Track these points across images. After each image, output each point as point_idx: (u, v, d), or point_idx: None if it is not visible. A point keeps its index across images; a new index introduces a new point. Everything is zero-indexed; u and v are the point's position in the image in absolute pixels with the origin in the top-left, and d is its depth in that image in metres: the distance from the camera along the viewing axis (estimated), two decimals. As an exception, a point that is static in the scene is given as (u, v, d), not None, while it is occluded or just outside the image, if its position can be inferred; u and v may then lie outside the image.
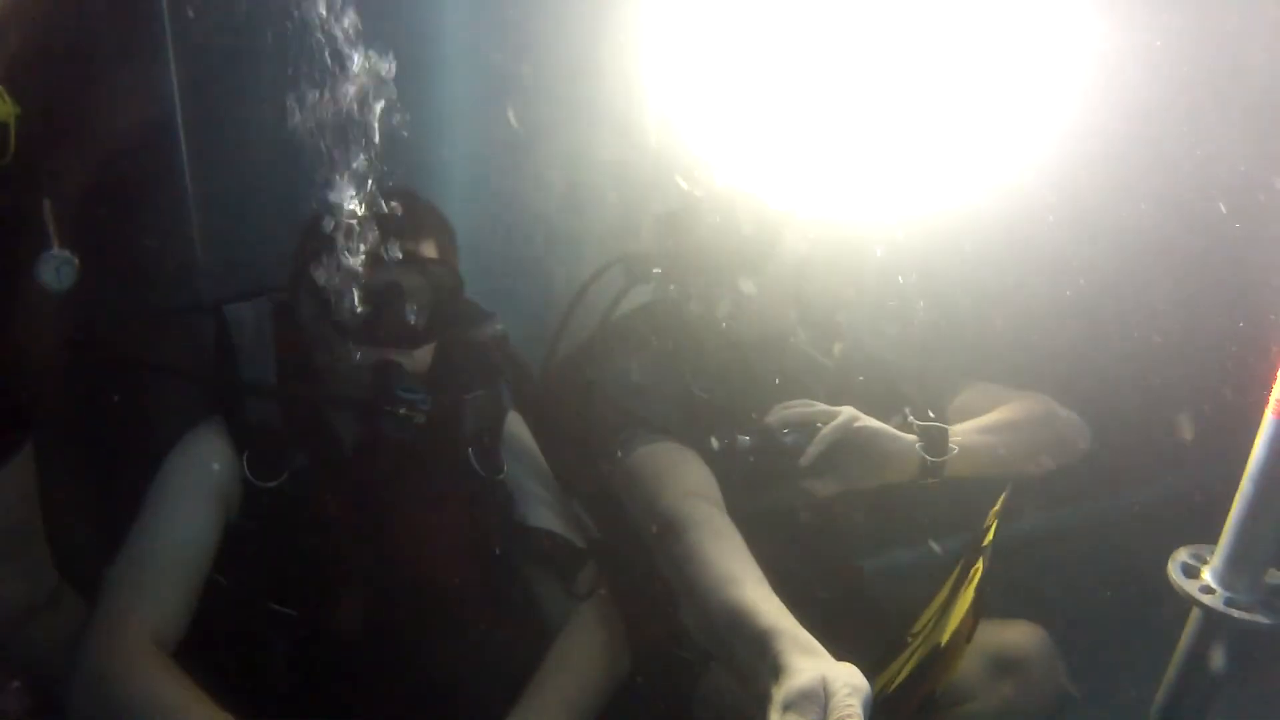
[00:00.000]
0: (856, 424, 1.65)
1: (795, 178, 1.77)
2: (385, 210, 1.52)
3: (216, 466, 1.54)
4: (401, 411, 1.52)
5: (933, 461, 1.67)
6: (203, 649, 1.47)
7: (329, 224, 1.53)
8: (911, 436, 1.69)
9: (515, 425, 1.80)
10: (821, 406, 1.68)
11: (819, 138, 1.79)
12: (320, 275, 1.52)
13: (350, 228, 1.52)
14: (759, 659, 1.19)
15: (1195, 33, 2.06)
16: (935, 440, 1.69)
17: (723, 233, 1.74)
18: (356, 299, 1.52)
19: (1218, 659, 1.25)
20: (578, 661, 1.60)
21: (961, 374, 1.95)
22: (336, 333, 1.53)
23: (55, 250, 1.36)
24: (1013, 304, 2.28)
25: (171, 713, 1.32)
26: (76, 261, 1.37)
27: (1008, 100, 1.96)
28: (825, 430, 1.63)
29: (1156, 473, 2.59)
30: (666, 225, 1.86)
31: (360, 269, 1.51)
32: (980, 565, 1.41)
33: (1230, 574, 1.23)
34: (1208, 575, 1.25)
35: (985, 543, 1.45)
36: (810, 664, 1.12)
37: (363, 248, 1.51)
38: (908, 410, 1.76)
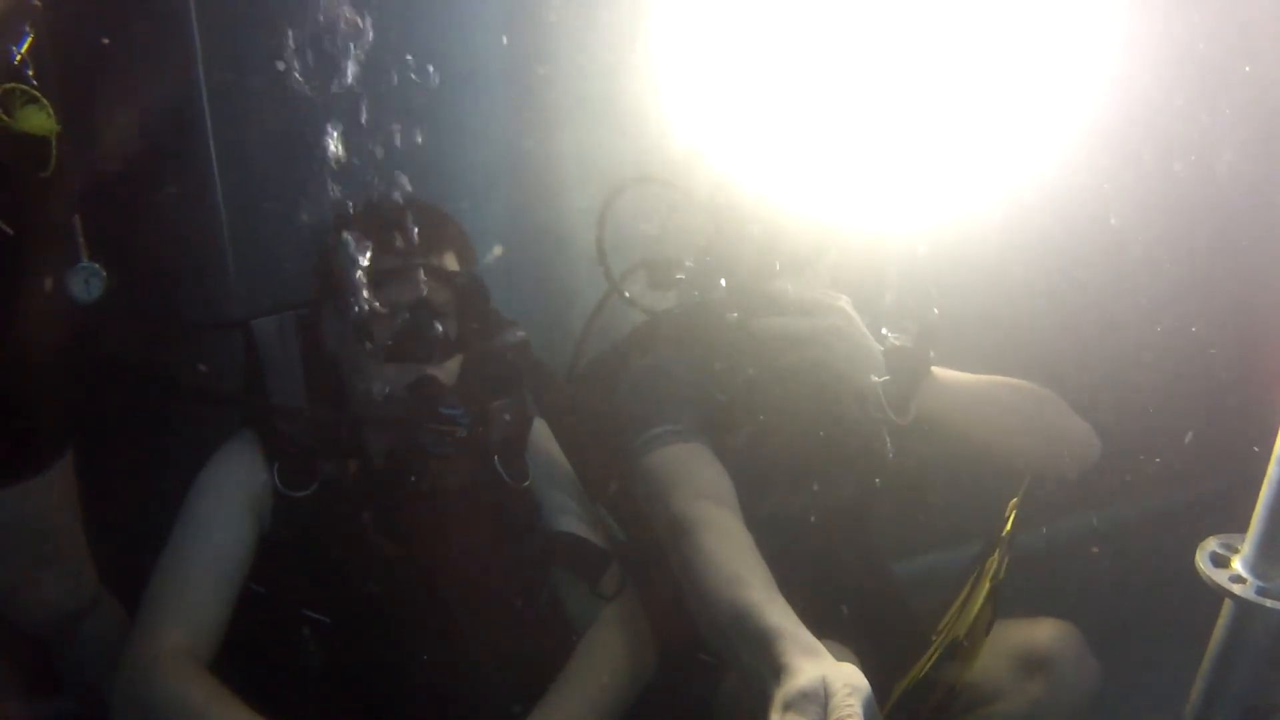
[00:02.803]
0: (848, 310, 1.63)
1: (822, 180, 1.76)
2: (403, 224, 1.56)
3: (248, 479, 1.59)
4: (444, 428, 1.54)
5: (890, 388, 1.63)
6: (239, 655, 1.52)
7: (349, 245, 1.56)
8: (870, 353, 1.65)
9: (539, 432, 1.82)
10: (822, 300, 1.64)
11: (843, 140, 1.79)
12: (345, 297, 1.55)
13: (370, 246, 1.54)
14: (760, 659, 1.19)
15: (1203, 33, 2.03)
16: (911, 359, 1.64)
17: (764, 238, 1.73)
18: (386, 318, 1.55)
19: (1253, 654, 1.21)
20: (602, 661, 1.61)
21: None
22: (368, 353, 1.56)
23: (84, 262, 1.41)
24: (1036, 305, 2.26)
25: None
26: (104, 274, 1.42)
27: (1028, 103, 1.94)
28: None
29: (1184, 476, 2.52)
30: (701, 230, 1.87)
31: (386, 287, 1.54)
32: (997, 556, 1.39)
33: (1262, 562, 1.17)
34: (1238, 564, 1.20)
35: (1003, 533, 1.42)
36: (810, 664, 1.12)
37: (385, 266, 1.54)
38: (886, 332, 1.72)
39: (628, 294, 1.93)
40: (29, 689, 1.67)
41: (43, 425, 1.52)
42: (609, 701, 1.58)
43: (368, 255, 1.54)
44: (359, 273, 1.53)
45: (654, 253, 1.95)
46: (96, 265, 1.43)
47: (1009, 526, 1.42)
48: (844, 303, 1.66)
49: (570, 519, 1.74)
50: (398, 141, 2.02)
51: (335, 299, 1.59)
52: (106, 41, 1.68)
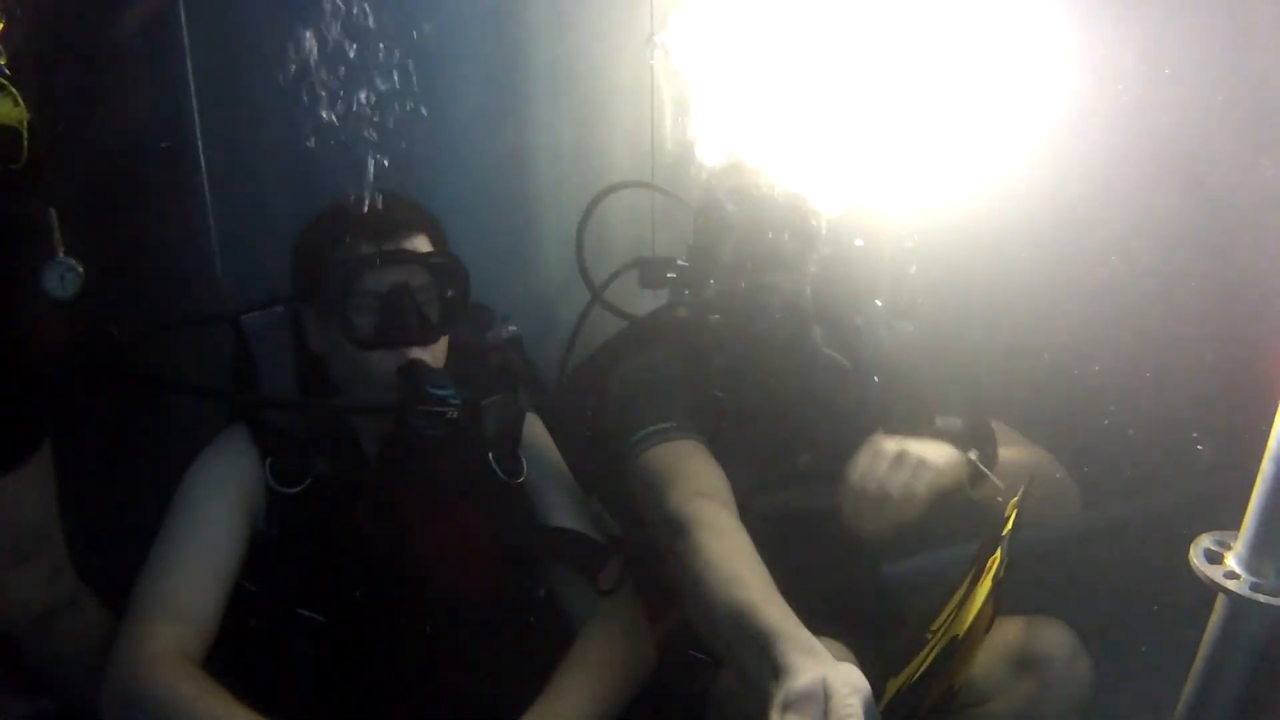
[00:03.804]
0: (889, 443, 1.55)
1: (816, 176, 1.75)
2: (374, 213, 1.55)
3: (240, 475, 1.57)
4: (435, 409, 1.53)
5: (982, 461, 1.58)
6: (230, 654, 1.50)
7: (321, 236, 1.57)
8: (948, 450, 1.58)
9: (533, 427, 1.81)
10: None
11: (835, 136, 1.78)
12: (326, 292, 1.55)
13: (343, 236, 1.55)
14: (760, 659, 1.18)
15: (1202, 31, 2.03)
16: (984, 440, 1.60)
17: (757, 233, 1.72)
18: (366, 306, 1.54)
19: (1246, 650, 1.20)
20: (600, 654, 1.60)
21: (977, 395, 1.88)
22: (352, 343, 1.55)
23: (60, 258, 1.39)
24: (1033, 303, 2.25)
25: (199, 718, 1.34)
26: (80, 270, 1.40)
27: (1023, 99, 1.93)
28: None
29: (1182, 475, 2.52)
30: (697, 225, 1.86)
31: (362, 276, 1.53)
32: (999, 555, 1.38)
33: (1256, 558, 1.16)
34: (1232, 561, 1.19)
35: (1004, 532, 1.41)
36: (810, 664, 1.12)
37: (360, 254, 1.54)
38: (938, 419, 1.67)
39: (611, 303, 1.93)
40: (3, 688, 1.64)
41: (17, 418, 1.49)
42: (608, 694, 1.57)
43: (343, 248, 1.55)
44: (331, 266, 1.53)
45: (645, 252, 1.94)
46: (73, 261, 1.40)
47: (1010, 526, 1.42)
48: (883, 441, 1.56)
49: (566, 514, 1.73)
50: (382, 138, 2.02)
51: (315, 296, 1.58)
52: (93, 36, 1.66)
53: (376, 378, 1.56)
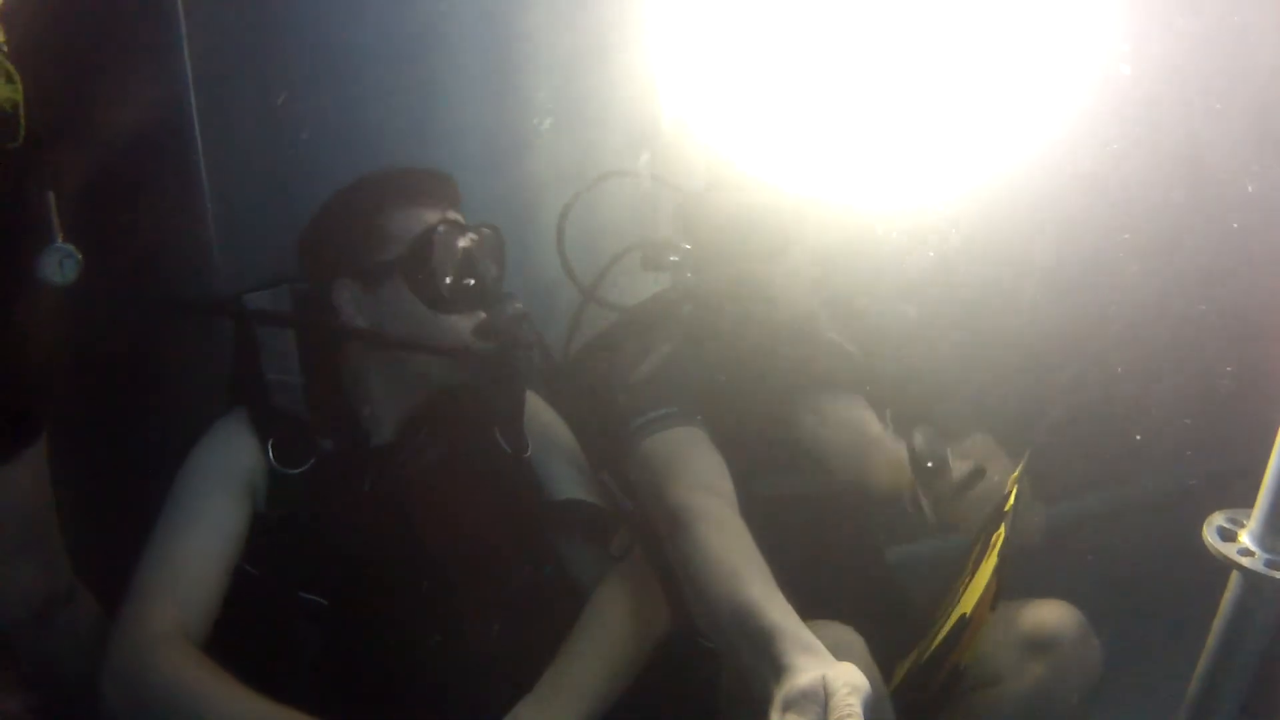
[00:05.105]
0: None
1: (813, 163, 1.74)
2: (428, 181, 1.63)
3: (240, 456, 1.55)
4: (529, 353, 1.63)
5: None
6: (232, 639, 1.48)
7: (375, 206, 1.60)
8: None
9: (537, 403, 1.81)
10: None
11: (837, 123, 1.77)
12: (385, 257, 1.58)
13: (405, 204, 1.59)
14: (760, 658, 1.18)
15: (1204, 30, 2.03)
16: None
17: (741, 218, 1.72)
18: (446, 271, 1.58)
19: (1261, 626, 1.19)
20: (612, 618, 1.59)
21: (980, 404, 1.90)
22: (435, 306, 1.58)
23: (58, 244, 1.36)
24: (1037, 288, 2.24)
25: (202, 699, 1.33)
26: (79, 256, 1.37)
27: (1027, 88, 1.92)
28: None
29: (1190, 455, 2.52)
30: (686, 212, 1.85)
31: (450, 241, 1.59)
32: (1002, 531, 1.37)
33: (1270, 535, 1.17)
34: (1245, 538, 1.19)
35: (1006, 508, 1.41)
36: (811, 663, 1.11)
37: (432, 221, 1.59)
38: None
39: (602, 299, 1.94)
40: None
41: (15, 408, 1.46)
42: (621, 658, 1.55)
43: (406, 216, 1.59)
44: (426, 236, 1.57)
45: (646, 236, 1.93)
46: (71, 247, 1.38)
47: (1011, 501, 1.42)
48: None
49: (573, 486, 1.73)
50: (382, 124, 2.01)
51: (368, 266, 1.59)
52: (92, 22, 1.65)
53: (451, 339, 1.59)
